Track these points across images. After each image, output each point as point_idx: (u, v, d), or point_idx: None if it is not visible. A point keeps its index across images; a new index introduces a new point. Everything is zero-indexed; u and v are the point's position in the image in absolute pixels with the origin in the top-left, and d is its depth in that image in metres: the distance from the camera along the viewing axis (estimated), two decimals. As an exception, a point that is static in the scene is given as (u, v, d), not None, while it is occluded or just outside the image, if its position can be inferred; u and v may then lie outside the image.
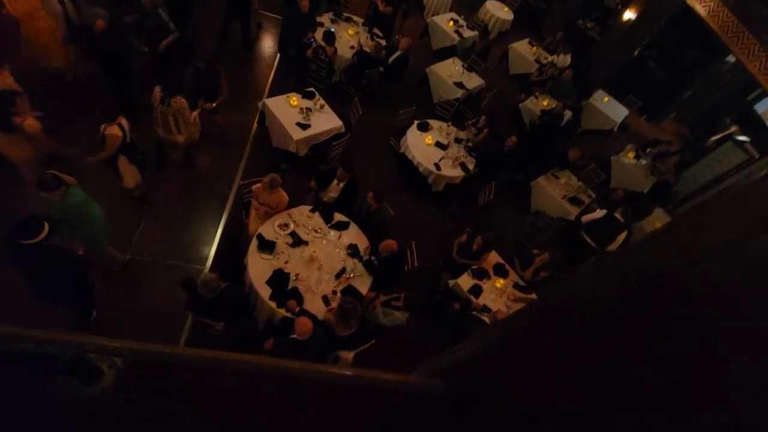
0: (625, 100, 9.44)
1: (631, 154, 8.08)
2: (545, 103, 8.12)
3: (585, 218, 6.15)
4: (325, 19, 7.47)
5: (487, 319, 4.40)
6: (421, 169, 6.08)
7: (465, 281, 4.95)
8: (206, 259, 4.83)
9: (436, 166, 6.03)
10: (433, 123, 6.61)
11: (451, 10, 9.83)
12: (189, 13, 6.24)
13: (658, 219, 7.05)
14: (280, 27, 7.42)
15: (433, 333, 4.98)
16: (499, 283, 5.00)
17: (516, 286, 5.13)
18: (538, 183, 6.77)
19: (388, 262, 4.42)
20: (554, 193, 6.62)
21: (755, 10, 6.81)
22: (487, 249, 5.11)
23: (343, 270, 4.35)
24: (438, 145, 6.31)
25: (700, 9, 7.87)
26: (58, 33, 4.99)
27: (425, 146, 6.23)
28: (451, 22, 9.06)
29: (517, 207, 7.03)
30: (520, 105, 8.30)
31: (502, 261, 5.26)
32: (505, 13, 10.46)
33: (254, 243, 4.26)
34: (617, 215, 5.96)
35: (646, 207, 7.23)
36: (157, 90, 4.55)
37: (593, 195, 6.87)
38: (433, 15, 9.55)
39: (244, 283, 4.24)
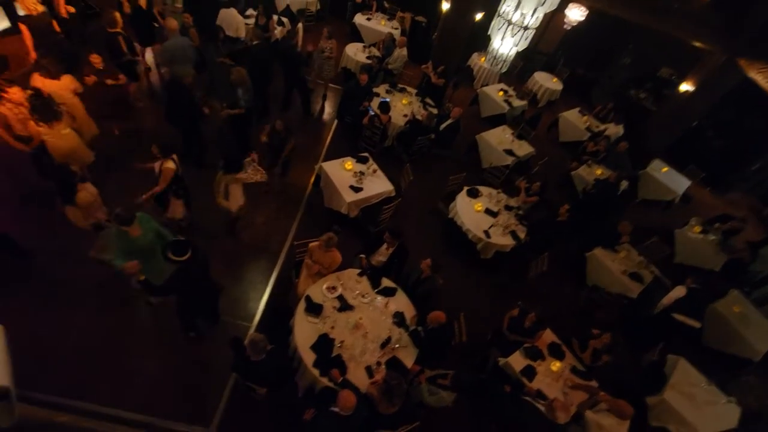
0: (686, 170, 9.03)
1: (698, 228, 7.54)
2: (599, 172, 7.93)
3: (665, 301, 5.69)
4: (381, 89, 7.99)
5: (542, 408, 4.00)
6: (470, 236, 6.00)
7: (517, 360, 4.61)
8: (254, 316, 4.89)
9: (486, 233, 5.93)
10: (483, 189, 6.61)
11: (500, 81, 10.21)
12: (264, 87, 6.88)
13: (735, 302, 6.36)
14: (339, 97, 8.01)
15: (480, 416, 4.59)
16: (555, 366, 4.60)
17: (574, 370, 4.69)
18: (595, 255, 6.41)
19: (435, 334, 4.24)
20: (613, 267, 6.22)
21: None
22: (542, 326, 4.79)
23: (389, 340, 4.21)
24: (488, 212, 6.25)
25: (763, 82, 7.62)
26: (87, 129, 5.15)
27: (474, 213, 6.19)
28: (501, 92, 9.36)
29: (572, 280, 6.65)
30: (572, 173, 8.15)
31: (558, 341, 4.88)
32: (554, 84, 10.69)
33: (302, 305, 4.28)
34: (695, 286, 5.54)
35: (719, 287, 6.59)
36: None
37: (656, 271, 6.36)
38: (482, 85, 9.95)
39: (288, 345, 4.20)
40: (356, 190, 5.81)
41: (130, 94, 6.27)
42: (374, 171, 6.19)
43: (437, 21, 10.29)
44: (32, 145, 4.55)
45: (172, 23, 5.99)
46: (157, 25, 7.21)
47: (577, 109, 9.82)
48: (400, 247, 4.92)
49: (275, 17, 8.82)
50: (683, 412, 4.78)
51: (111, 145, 5.64)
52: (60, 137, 4.45)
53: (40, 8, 5.72)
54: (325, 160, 6.27)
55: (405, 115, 7.53)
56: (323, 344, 4.02)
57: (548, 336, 4.90)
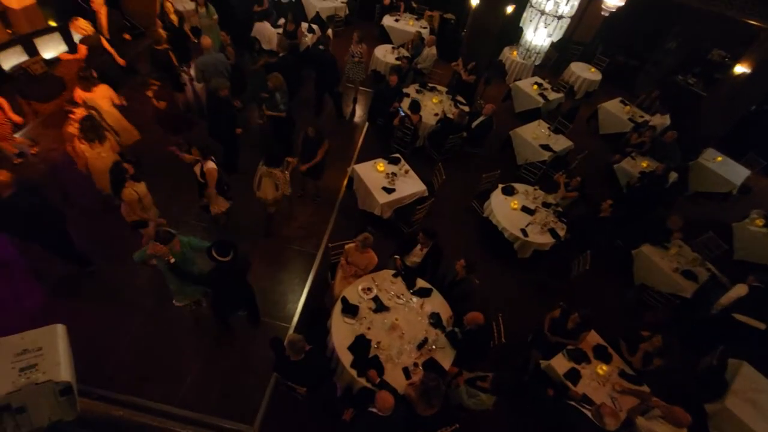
0: (744, 159, 8.36)
1: (760, 222, 6.95)
2: (644, 164, 7.50)
3: (724, 300, 5.30)
4: (411, 90, 7.96)
5: (589, 413, 3.82)
6: (506, 235, 5.84)
7: (560, 363, 4.43)
8: (292, 317, 5.00)
9: (523, 231, 5.76)
10: (519, 187, 6.43)
11: (534, 75, 9.90)
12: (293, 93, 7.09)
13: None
14: (370, 99, 8.07)
15: (522, 419, 4.46)
16: (602, 369, 4.38)
17: (623, 374, 4.44)
18: (642, 253, 6.06)
19: (473, 335, 4.16)
20: (663, 264, 5.85)
21: None
22: (585, 328, 4.58)
23: (425, 341, 4.18)
24: (524, 209, 6.06)
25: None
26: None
27: (510, 211, 6.03)
28: (535, 86, 9.07)
29: (617, 279, 6.32)
30: (615, 167, 7.76)
31: (603, 343, 4.65)
32: (592, 74, 10.23)
33: (338, 306, 4.33)
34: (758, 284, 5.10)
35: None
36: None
37: (712, 268, 5.92)
38: (515, 80, 9.68)
39: (326, 346, 4.26)
40: (389, 191, 5.82)
41: (179, 105, 6.64)
42: (406, 171, 6.18)
43: (466, 17, 10.14)
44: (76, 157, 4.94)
45: (207, 40, 6.28)
46: (195, 41, 7.60)
47: (618, 99, 9.35)
48: (435, 247, 4.87)
49: (305, 24, 9.03)
50: (748, 421, 4.41)
51: (158, 152, 5.98)
52: (98, 158, 4.78)
53: (91, 30, 6.16)
54: (358, 162, 6.33)
55: (436, 114, 7.47)
56: (360, 345, 4.05)
57: (593, 338, 4.68)
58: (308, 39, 8.73)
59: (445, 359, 4.12)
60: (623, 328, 5.14)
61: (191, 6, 7.94)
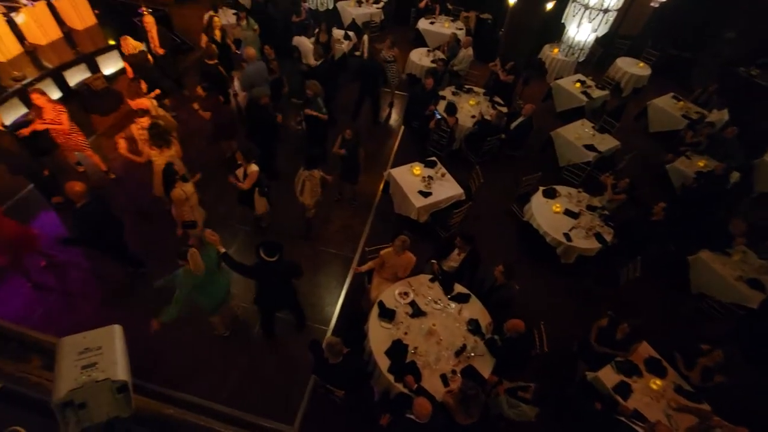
0: (818, 157, 7.56)
1: (839, 226, 6.26)
2: (701, 163, 6.98)
3: None
4: (447, 92, 7.88)
5: (641, 431, 3.58)
6: (548, 239, 5.62)
7: (608, 376, 4.19)
8: (330, 320, 5.07)
9: (566, 236, 5.51)
10: (561, 189, 6.17)
11: (576, 72, 9.50)
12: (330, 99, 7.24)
13: None
14: (405, 103, 8.07)
15: (567, 434, 4.25)
16: (656, 384, 4.09)
17: (679, 390, 4.13)
18: (700, 259, 5.63)
19: (514, 343, 4.02)
20: (724, 272, 5.40)
21: None
22: (636, 338, 4.31)
23: (464, 347, 4.08)
24: (568, 213, 5.81)
25: None
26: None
27: (553, 214, 5.79)
28: (578, 84, 8.71)
29: (672, 287, 5.91)
30: (668, 167, 7.28)
31: (657, 356, 4.35)
32: (641, 69, 9.69)
33: (375, 309, 4.33)
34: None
35: None
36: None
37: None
38: (556, 78, 9.34)
39: (363, 350, 4.27)
40: (425, 194, 5.77)
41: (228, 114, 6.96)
42: (443, 175, 6.10)
43: (504, 16, 9.91)
44: (140, 160, 5.31)
45: (251, 51, 6.54)
46: (237, 52, 7.96)
47: (671, 94, 8.78)
48: (473, 252, 4.77)
49: (341, 32, 9.20)
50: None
51: (205, 158, 6.30)
52: (164, 161, 5.10)
53: (137, 49, 6.58)
54: (394, 166, 6.34)
55: (473, 116, 7.34)
56: (397, 350, 4.03)
57: (645, 350, 4.39)
58: (344, 46, 8.89)
59: (485, 367, 4.01)
60: (679, 340, 4.78)
61: (233, 19, 8.32)
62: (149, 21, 6.91)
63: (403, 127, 8.07)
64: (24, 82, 6.60)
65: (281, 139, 6.55)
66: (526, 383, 3.84)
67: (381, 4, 10.72)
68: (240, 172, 5.05)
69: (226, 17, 8.71)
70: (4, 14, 6.86)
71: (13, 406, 1.03)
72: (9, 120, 6.17)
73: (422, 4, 10.89)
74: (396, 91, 8.46)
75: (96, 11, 8.33)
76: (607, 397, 4.10)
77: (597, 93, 8.55)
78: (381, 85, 7.64)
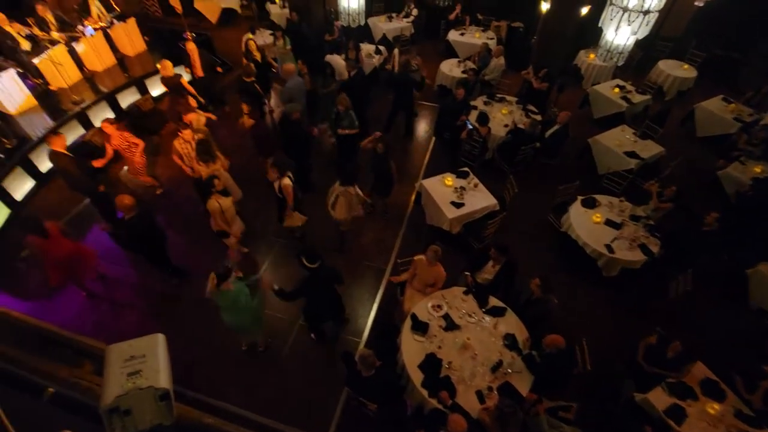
0: None
1: None
2: (758, 169, 6.49)
3: None
4: (479, 102, 7.81)
5: (699, 459, 3.30)
6: (588, 251, 5.38)
7: (658, 398, 3.90)
8: (363, 332, 5.06)
9: (608, 247, 5.25)
10: (602, 198, 5.91)
11: (614, 77, 9.18)
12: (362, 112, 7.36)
13: None
14: (436, 114, 8.06)
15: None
16: (713, 408, 3.77)
17: (739, 415, 3.78)
18: (761, 272, 5.19)
19: (553, 360, 3.84)
20: (789, 287, 4.95)
21: None
22: (689, 358, 4.00)
23: (500, 363, 3.94)
24: (609, 223, 5.55)
25: None
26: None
27: (593, 225, 5.55)
28: (617, 89, 8.39)
29: (729, 303, 5.47)
30: (719, 173, 6.82)
31: (714, 377, 4.01)
32: (685, 71, 9.22)
33: (408, 322, 4.28)
34: None
35: None
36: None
37: None
38: (593, 84, 9.05)
39: (396, 363, 4.22)
40: (458, 205, 5.70)
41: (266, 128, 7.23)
42: (475, 185, 6.01)
43: (536, 24, 9.77)
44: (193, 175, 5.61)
45: (290, 66, 6.81)
46: (274, 71, 8.30)
47: (720, 96, 8.27)
48: (508, 263, 4.63)
49: (372, 47, 9.37)
50: None
51: (245, 172, 6.54)
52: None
53: (172, 72, 6.93)
54: (425, 177, 6.31)
55: (506, 126, 7.22)
56: (431, 364, 3.95)
57: (700, 370, 4.07)
58: (375, 60, 9.04)
59: (523, 384, 3.85)
60: (738, 360, 4.40)
61: (270, 39, 8.69)
62: (191, 47, 7.35)
63: (434, 138, 8.06)
64: (82, 105, 7.16)
65: (315, 152, 6.70)
66: (567, 403, 3.65)
67: (411, 19, 10.86)
68: (276, 185, 5.19)
69: (263, 38, 9.12)
70: (67, 44, 7.50)
71: (65, 409, 1.09)
72: (70, 140, 6.68)
73: (452, 16, 10.93)
74: (426, 102, 8.48)
75: (146, 38, 8.96)
76: (657, 420, 3.82)
77: (638, 98, 8.20)
78: (411, 97, 7.68)
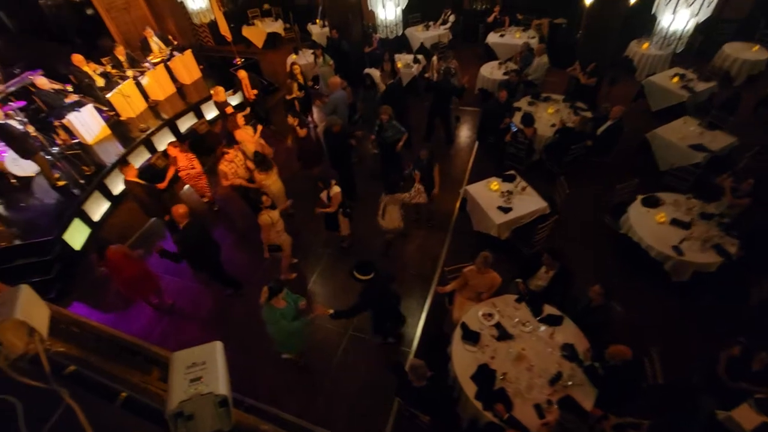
0: None
1: None
2: None
3: None
4: (523, 103, 7.58)
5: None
6: (652, 254, 4.97)
7: (746, 415, 3.47)
8: (412, 341, 5.00)
9: (676, 249, 4.83)
10: (665, 196, 5.47)
11: (672, 66, 8.54)
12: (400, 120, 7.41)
13: None
14: (478, 118, 7.92)
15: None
16: (817, 429, 3.29)
17: None
18: None
19: (619, 373, 3.56)
20: None
21: None
22: (783, 371, 3.54)
23: (559, 375, 3.71)
24: (676, 222, 5.11)
25: None
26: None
27: (657, 225, 5.13)
28: (676, 78, 7.80)
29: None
30: (806, 162, 6.06)
31: (815, 394, 3.51)
32: (755, 53, 8.40)
33: (458, 332, 4.17)
34: None
35: None
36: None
37: None
38: (648, 75, 8.48)
39: (448, 374, 4.12)
40: (505, 210, 5.52)
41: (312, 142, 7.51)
42: (523, 188, 5.80)
43: (580, 19, 9.35)
44: (254, 185, 5.92)
45: (336, 80, 7.07)
46: (317, 87, 8.62)
47: (800, 77, 7.41)
48: (563, 269, 4.39)
49: (410, 56, 9.43)
50: None
51: (292, 186, 6.80)
52: (272, 182, 5.84)
53: (223, 98, 7.37)
54: (469, 183, 6.19)
55: (552, 125, 6.92)
56: (484, 375, 3.80)
57: (797, 386, 3.58)
58: (414, 70, 9.09)
59: (585, 398, 3.59)
60: None
61: (311, 59, 9.03)
62: (242, 74, 7.83)
63: (477, 143, 7.90)
64: (148, 132, 7.83)
65: (357, 162, 6.83)
66: (637, 420, 3.35)
67: (448, 25, 10.84)
68: (324, 195, 5.35)
69: (305, 57, 9.50)
70: (134, 78, 8.28)
71: (135, 414, 1.16)
72: (137, 163, 7.32)
73: (491, 18, 10.77)
74: (467, 107, 8.36)
75: (201, 66, 9.67)
76: (747, 442, 3.40)
77: (701, 86, 7.56)
78: (447, 104, 7.62)
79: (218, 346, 1.24)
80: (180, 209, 4.73)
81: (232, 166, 5.91)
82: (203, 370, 1.11)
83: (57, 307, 1.89)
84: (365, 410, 4.43)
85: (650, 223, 5.18)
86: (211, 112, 8.92)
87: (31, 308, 1.37)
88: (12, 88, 7.68)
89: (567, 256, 4.43)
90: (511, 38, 9.92)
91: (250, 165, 5.96)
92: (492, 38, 10.15)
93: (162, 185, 6.14)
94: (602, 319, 4.07)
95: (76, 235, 6.38)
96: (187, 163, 6.22)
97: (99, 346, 1.74)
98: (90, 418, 1.13)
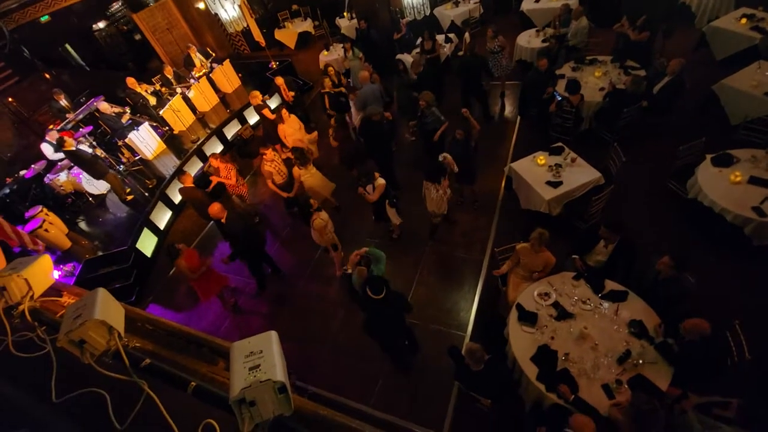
0: None
1: None
2: None
3: None
4: (566, 69, 7.11)
5: None
6: (728, 218, 4.50)
7: None
8: (467, 325, 4.94)
9: (757, 210, 4.33)
10: (739, 153, 4.91)
11: (736, 7, 7.59)
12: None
13: None
14: (518, 91, 7.55)
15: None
16: None
17: None
18: None
19: (696, 348, 3.28)
20: None
21: None
22: None
23: (628, 354, 3.49)
24: (754, 181, 4.58)
25: None
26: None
27: (731, 186, 4.63)
28: (744, 20, 6.93)
29: None
30: None
31: None
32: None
33: (514, 313, 4.05)
34: None
35: None
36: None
37: None
38: (710, 21, 7.60)
39: (506, 356, 4.02)
40: (554, 185, 5.24)
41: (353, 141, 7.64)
42: (573, 160, 5.46)
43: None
44: (293, 187, 6.20)
45: (364, 74, 7.04)
46: (348, 80, 8.63)
47: None
48: (624, 242, 4.10)
49: (442, 36, 9.16)
50: None
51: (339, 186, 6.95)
52: (311, 175, 6.05)
53: (259, 101, 7.59)
54: (514, 160, 5.94)
55: (601, 89, 6.43)
56: (545, 356, 3.67)
57: None
58: (447, 49, 8.83)
59: (660, 377, 3.36)
60: None
61: (342, 53, 9.06)
62: (279, 81, 8.04)
63: (519, 117, 7.55)
64: (198, 142, 8.32)
65: (397, 150, 6.79)
66: (724, 399, 3.07)
67: (478, -1, 10.38)
68: (369, 187, 5.41)
69: (336, 52, 9.55)
70: (182, 93, 8.81)
71: (204, 401, 1.24)
72: (192, 172, 7.81)
73: (524, -16, 10.16)
74: (507, 82, 8.00)
75: (239, 74, 10.07)
76: None
77: (776, 24, 6.65)
78: (483, 80, 7.31)
79: (273, 335, 1.29)
80: (213, 208, 5.10)
81: (274, 164, 6.18)
82: (261, 359, 1.16)
83: (131, 307, 2.08)
84: (426, 394, 4.46)
85: (724, 184, 4.68)
86: (253, 118, 9.28)
87: (108, 308, 1.50)
88: (81, 116, 8.47)
89: (627, 228, 4.12)
90: (547, 2, 9.31)
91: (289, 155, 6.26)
92: (527, 5, 9.59)
93: (208, 189, 6.54)
94: (674, 293, 3.76)
95: (147, 243, 6.97)
96: (225, 173, 6.56)
97: (170, 340, 1.88)
98: (166, 406, 1.22)
